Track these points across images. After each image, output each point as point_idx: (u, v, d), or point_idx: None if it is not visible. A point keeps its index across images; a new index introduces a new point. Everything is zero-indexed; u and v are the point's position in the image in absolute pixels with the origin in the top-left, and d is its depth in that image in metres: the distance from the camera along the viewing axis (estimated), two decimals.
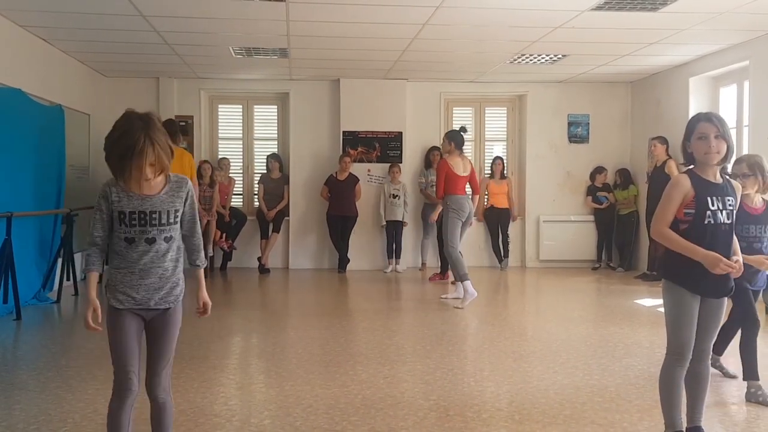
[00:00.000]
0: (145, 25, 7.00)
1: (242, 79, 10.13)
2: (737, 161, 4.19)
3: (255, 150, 10.63)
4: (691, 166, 3.14)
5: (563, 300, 7.77)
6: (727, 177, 3.17)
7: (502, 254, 10.14)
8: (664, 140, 9.00)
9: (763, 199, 4.17)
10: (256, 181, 10.22)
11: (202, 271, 2.91)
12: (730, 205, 3.08)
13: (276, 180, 10.01)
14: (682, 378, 3.16)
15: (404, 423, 3.60)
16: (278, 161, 10.07)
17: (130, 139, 2.53)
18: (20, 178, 6.84)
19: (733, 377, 4.45)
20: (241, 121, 10.61)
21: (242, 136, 10.60)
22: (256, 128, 10.67)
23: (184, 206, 2.77)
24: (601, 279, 9.38)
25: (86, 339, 5.67)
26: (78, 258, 8.29)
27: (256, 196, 10.19)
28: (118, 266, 2.73)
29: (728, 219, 3.07)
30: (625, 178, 10.18)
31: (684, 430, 3.22)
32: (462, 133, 7.59)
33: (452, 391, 4.19)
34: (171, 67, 9.33)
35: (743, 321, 4.26)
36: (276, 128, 10.68)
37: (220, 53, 8.41)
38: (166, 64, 9.06)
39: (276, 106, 10.66)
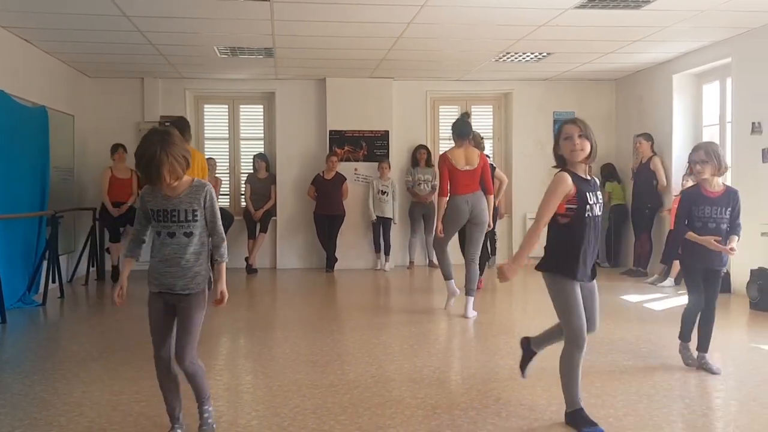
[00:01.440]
0: (128, 25, 6.96)
1: (227, 78, 10.10)
2: (695, 149, 4.54)
3: (241, 150, 10.60)
4: (566, 167, 3.43)
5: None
6: (592, 175, 3.53)
7: (489, 252, 10.16)
8: (649, 137, 9.07)
9: (723, 184, 4.50)
10: (243, 181, 10.20)
11: (222, 266, 3.29)
12: (599, 199, 3.46)
13: (263, 180, 9.99)
14: (581, 361, 3.46)
15: (392, 422, 3.61)
16: (265, 161, 10.05)
17: (150, 153, 3.01)
18: (3, 180, 6.78)
19: (717, 374, 4.45)
20: (227, 121, 10.58)
21: (228, 136, 10.57)
22: (242, 128, 10.64)
23: (204, 208, 3.21)
24: None
25: (72, 342, 5.65)
26: (63, 260, 8.24)
27: (242, 196, 10.17)
28: (153, 256, 3.25)
29: (599, 211, 3.45)
30: (608, 173, 10.24)
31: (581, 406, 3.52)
32: (465, 119, 6.74)
33: (439, 389, 4.20)
34: (155, 68, 9.28)
35: (709, 301, 4.55)
36: (262, 128, 10.66)
37: (204, 53, 8.38)
38: (151, 64, 9.02)
39: (262, 106, 10.63)
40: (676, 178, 8.74)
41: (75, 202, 9.12)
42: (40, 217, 7.63)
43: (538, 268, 3.55)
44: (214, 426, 3.45)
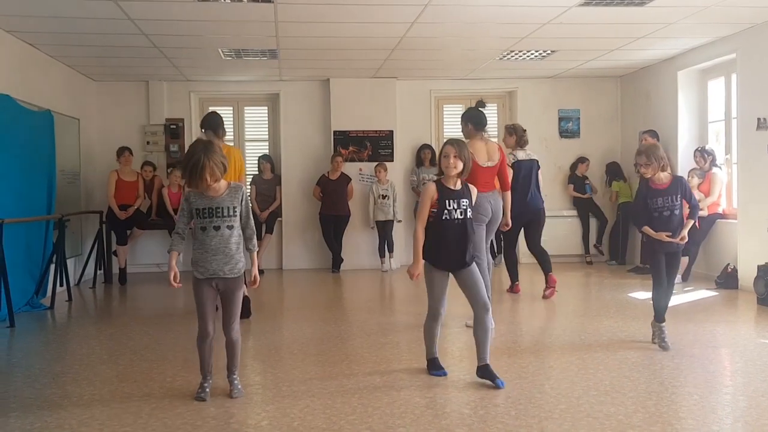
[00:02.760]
0: (133, 28, 6.98)
1: (232, 80, 10.12)
2: (638, 152, 5.07)
3: (246, 151, 10.61)
4: (441, 176, 4.24)
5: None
6: (466, 184, 4.29)
7: (496, 250, 10.15)
8: (654, 134, 9.05)
9: (671, 174, 5.04)
10: (248, 183, 10.21)
11: (254, 254, 4.05)
12: (464, 205, 4.20)
13: (268, 181, 10.01)
14: (438, 327, 4.42)
15: (401, 421, 3.61)
16: (270, 162, 10.06)
17: (195, 158, 3.69)
18: (10, 184, 6.80)
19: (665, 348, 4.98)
20: (231, 122, 10.59)
21: (233, 138, 10.57)
22: (246, 129, 10.66)
23: (241, 205, 3.92)
24: (594, 273, 9.41)
25: (81, 345, 5.67)
26: (71, 263, 8.26)
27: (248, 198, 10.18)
28: (197, 248, 3.89)
29: (461, 216, 4.19)
30: (613, 171, 10.22)
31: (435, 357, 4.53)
32: (480, 108, 6.01)
33: (448, 388, 4.20)
34: (160, 70, 9.30)
35: (669, 279, 5.16)
36: (267, 129, 10.68)
37: (209, 55, 8.40)
38: (156, 67, 9.04)
39: (266, 107, 10.65)
40: (683, 174, 8.72)
41: (81, 206, 9.15)
42: (47, 221, 7.65)
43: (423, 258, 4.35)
44: (242, 391, 4.07)
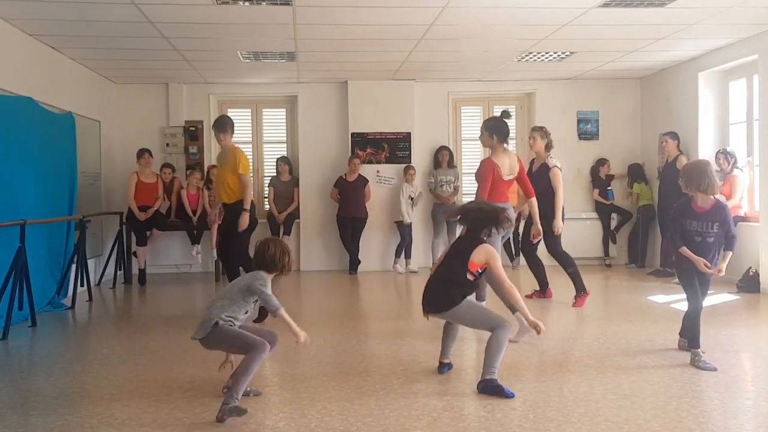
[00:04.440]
0: (153, 31, 7.04)
1: (251, 83, 10.17)
2: (682, 168, 4.87)
3: (264, 153, 10.67)
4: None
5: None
6: None
7: (514, 253, 10.12)
8: (675, 136, 8.96)
9: (714, 198, 4.63)
10: (266, 184, 10.27)
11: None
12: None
13: (286, 182, 10.04)
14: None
15: (418, 423, 3.60)
16: (288, 164, 10.10)
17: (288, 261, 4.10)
18: (33, 185, 6.88)
19: (714, 370, 4.50)
20: (250, 124, 10.65)
21: (251, 140, 10.63)
22: (265, 131, 10.71)
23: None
24: (613, 276, 9.34)
25: (101, 344, 5.72)
26: (91, 264, 8.35)
27: (266, 199, 10.24)
28: (238, 312, 4.04)
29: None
30: (636, 173, 10.14)
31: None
32: (505, 119, 5.88)
33: (466, 390, 4.19)
34: (180, 73, 9.38)
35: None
36: (285, 131, 10.72)
37: (228, 58, 8.46)
38: (175, 69, 9.11)
39: (285, 109, 10.70)
40: None
41: (102, 207, 9.25)
42: (69, 222, 7.74)
43: (443, 309, 4.41)
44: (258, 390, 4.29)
